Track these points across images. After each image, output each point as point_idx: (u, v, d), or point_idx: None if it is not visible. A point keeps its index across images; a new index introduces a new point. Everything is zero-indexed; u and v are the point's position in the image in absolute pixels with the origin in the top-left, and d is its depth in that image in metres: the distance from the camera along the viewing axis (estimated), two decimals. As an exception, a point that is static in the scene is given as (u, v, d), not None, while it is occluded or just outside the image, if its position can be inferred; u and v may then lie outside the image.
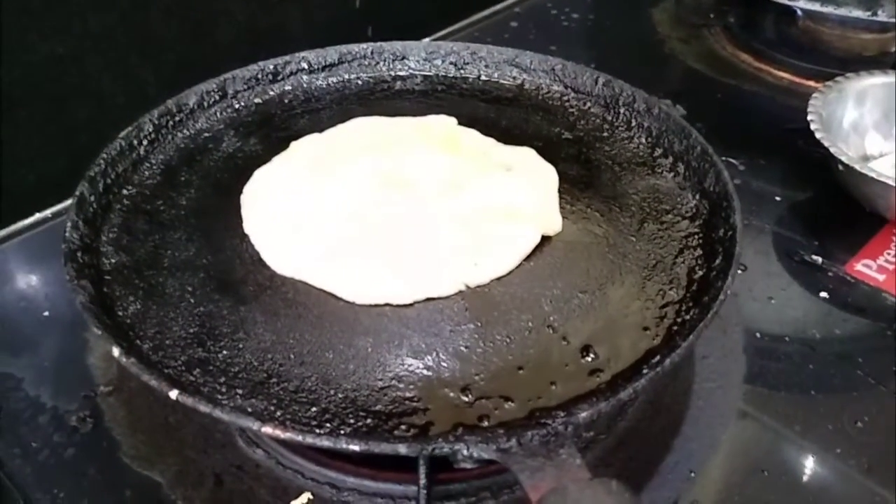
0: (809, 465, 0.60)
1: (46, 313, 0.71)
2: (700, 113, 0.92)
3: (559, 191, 0.69)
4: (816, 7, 0.97)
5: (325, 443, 0.46)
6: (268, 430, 0.47)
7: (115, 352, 0.51)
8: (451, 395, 0.52)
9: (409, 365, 0.54)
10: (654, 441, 0.60)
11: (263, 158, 0.73)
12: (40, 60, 0.79)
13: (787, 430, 0.62)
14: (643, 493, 0.56)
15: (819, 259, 0.78)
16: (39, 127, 0.81)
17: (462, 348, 0.55)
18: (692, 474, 0.58)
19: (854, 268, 0.76)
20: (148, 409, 0.62)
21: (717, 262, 0.61)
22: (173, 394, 0.49)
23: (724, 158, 0.86)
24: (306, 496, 0.56)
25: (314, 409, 0.51)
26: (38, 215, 0.84)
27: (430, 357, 0.55)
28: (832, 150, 0.77)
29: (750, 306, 0.74)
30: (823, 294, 0.75)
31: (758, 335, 0.70)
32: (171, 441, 0.60)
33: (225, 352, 0.55)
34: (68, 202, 0.76)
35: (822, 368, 0.66)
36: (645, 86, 0.82)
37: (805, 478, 0.59)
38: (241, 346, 0.56)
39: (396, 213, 0.63)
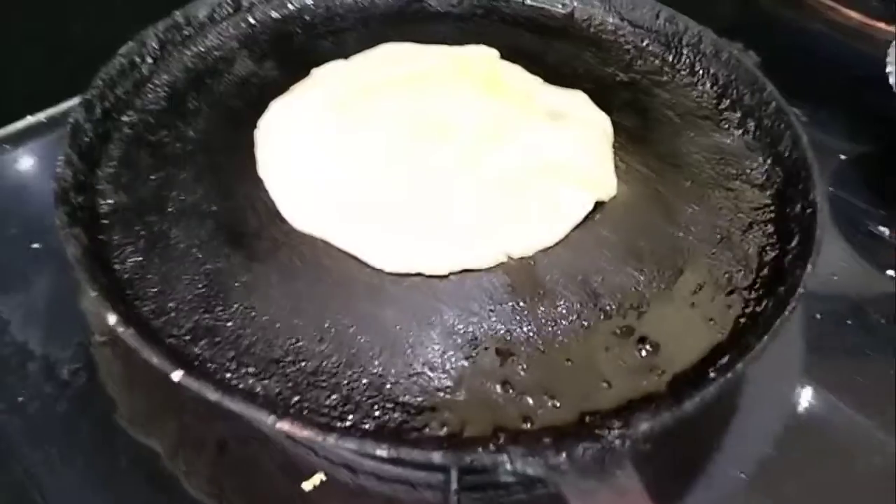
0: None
1: (36, 245, 0.65)
2: (760, 51, 0.83)
3: (613, 146, 0.61)
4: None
5: (349, 445, 0.41)
6: (284, 426, 0.41)
7: (111, 319, 0.45)
8: (490, 387, 0.47)
9: (442, 348, 0.48)
10: (702, 437, 0.54)
11: (281, 86, 0.65)
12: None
13: (849, 426, 0.57)
14: (687, 497, 0.51)
15: (886, 231, 0.71)
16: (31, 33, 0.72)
17: (502, 331, 0.49)
18: (742, 475, 0.53)
19: (923, 243, 0.69)
20: (147, 365, 0.56)
21: (793, 243, 0.54)
22: (176, 375, 0.43)
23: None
24: (319, 477, 0.51)
25: (335, 396, 0.46)
26: (29, 119, 0.75)
27: (465, 340, 0.49)
28: (911, 106, 0.70)
29: (809, 281, 0.68)
30: (891, 272, 0.68)
31: (818, 317, 0.64)
32: (172, 403, 0.54)
33: (237, 319, 0.49)
34: (67, 104, 0.69)
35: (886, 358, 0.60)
36: (699, 16, 0.73)
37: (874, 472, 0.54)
38: (253, 313, 0.50)
39: (431, 168, 0.56)
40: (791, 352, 0.60)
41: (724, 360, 0.46)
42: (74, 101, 0.59)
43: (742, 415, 0.56)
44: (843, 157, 0.78)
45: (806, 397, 0.59)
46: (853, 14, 0.96)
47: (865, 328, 0.63)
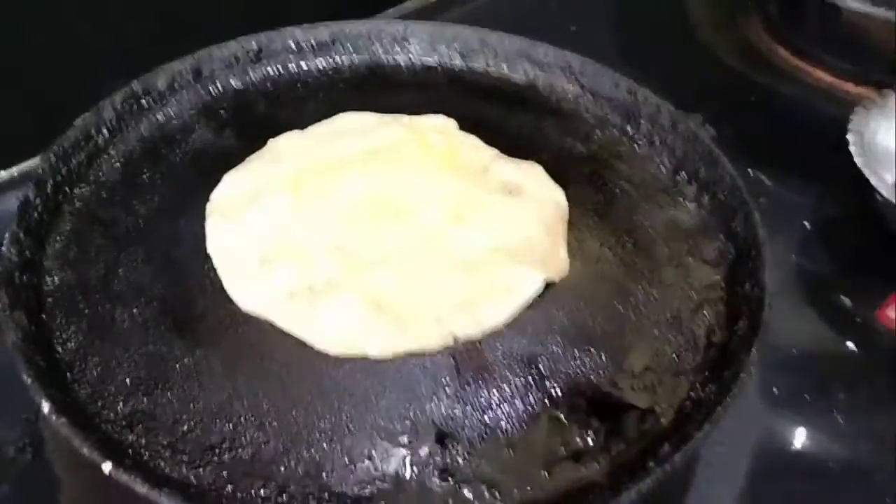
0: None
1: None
2: (728, 114, 0.85)
3: (568, 221, 0.62)
4: (866, 8, 0.88)
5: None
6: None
7: (45, 407, 0.45)
8: (429, 476, 0.47)
9: (383, 434, 0.49)
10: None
11: (238, 156, 0.66)
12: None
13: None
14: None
15: (848, 301, 0.72)
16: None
17: (445, 416, 0.50)
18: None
19: (887, 314, 0.70)
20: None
21: (740, 324, 0.54)
22: (106, 467, 0.43)
23: (750, 171, 0.80)
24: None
25: (270, 485, 0.46)
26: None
27: (407, 425, 0.49)
28: (871, 179, 0.71)
29: (768, 354, 0.68)
30: (850, 344, 0.69)
31: (775, 391, 0.65)
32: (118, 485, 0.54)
33: (175, 404, 0.50)
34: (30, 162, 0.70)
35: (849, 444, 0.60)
36: (670, 78, 0.75)
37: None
38: (192, 398, 0.50)
39: (382, 250, 0.56)
40: (746, 427, 0.61)
41: (665, 448, 0.47)
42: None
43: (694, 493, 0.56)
44: (807, 224, 0.79)
45: (762, 471, 0.59)
46: (823, 75, 0.98)
47: (826, 401, 0.63)
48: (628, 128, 0.73)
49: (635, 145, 0.72)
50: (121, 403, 0.50)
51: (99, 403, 0.49)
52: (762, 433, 0.63)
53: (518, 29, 0.79)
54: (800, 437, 0.63)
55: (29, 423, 0.59)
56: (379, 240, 0.58)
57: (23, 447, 0.58)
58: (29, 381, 0.47)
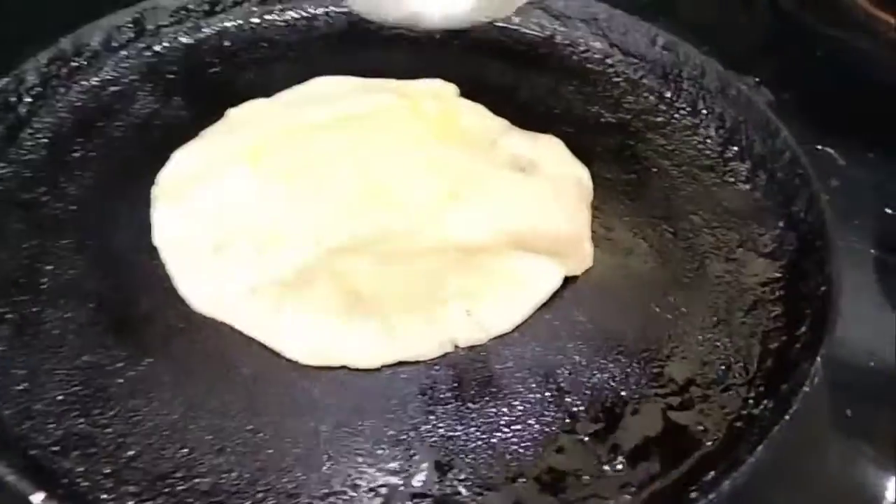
0: None
1: None
2: (789, 76, 0.87)
3: (592, 205, 0.64)
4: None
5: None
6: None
7: (-40, 429, 0.47)
8: (424, 511, 0.49)
9: (370, 460, 0.51)
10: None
11: (190, 130, 0.69)
12: None
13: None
14: None
15: (938, 306, 0.74)
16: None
17: (443, 439, 0.52)
18: None
19: None
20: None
21: (803, 329, 0.56)
22: (36, 499, 0.45)
23: (819, 147, 0.82)
24: None
25: (235, 522, 0.48)
26: None
27: (398, 450, 0.51)
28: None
29: (839, 368, 0.70)
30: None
31: (848, 413, 0.66)
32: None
33: (117, 425, 0.52)
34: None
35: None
36: (715, 31, 0.77)
37: None
38: (139, 417, 0.52)
39: (364, 236, 0.58)
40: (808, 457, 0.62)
41: (710, 476, 0.49)
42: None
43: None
44: (888, 211, 0.81)
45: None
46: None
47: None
48: (666, 92, 0.75)
49: (675, 114, 0.74)
50: (53, 424, 0.51)
51: (26, 424, 0.51)
52: (831, 469, 0.64)
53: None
54: (880, 478, 0.65)
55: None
56: (358, 222, 0.60)
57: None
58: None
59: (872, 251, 0.78)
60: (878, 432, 0.63)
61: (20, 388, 0.53)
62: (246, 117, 0.68)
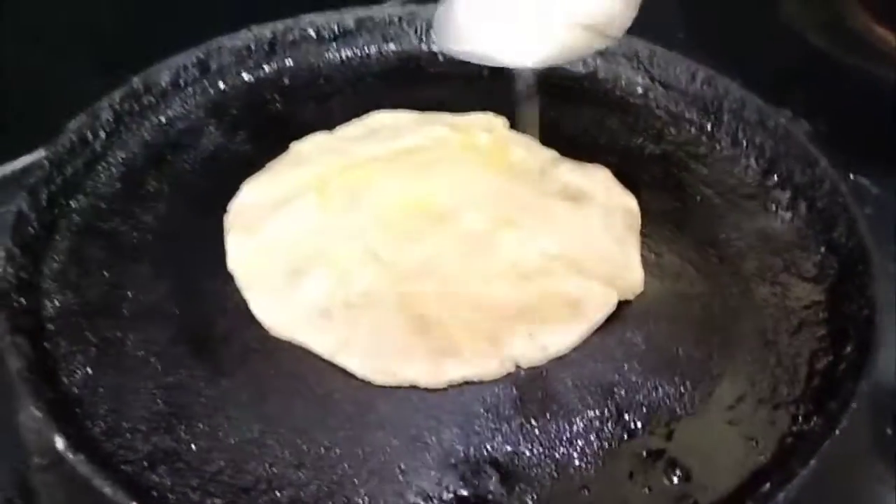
0: None
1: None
2: (819, 106, 0.89)
3: (641, 232, 0.67)
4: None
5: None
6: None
7: (59, 443, 0.50)
8: (495, 521, 0.51)
9: (439, 475, 0.53)
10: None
11: (255, 163, 0.72)
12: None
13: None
14: None
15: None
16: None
17: (508, 454, 0.54)
18: None
19: None
20: (98, 495, 0.61)
21: (848, 349, 0.58)
22: (132, 510, 0.47)
23: (851, 176, 0.84)
24: None
25: (314, 531, 0.50)
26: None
27: (466, 465, 0.53)
28: None
29: (879, 390, 0.71)
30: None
31: (888, 432, 0.68)
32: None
33: (201, 442, 0.54)
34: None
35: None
36: (748, 64, 0.78)
37: None
38: (220, 433, 0.54)
39: (427, 262, 0.61)
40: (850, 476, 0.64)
41: (766, 488, 0.51)
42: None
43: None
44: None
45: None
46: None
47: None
48: (707, 124, 0.78)
49: (716, 144, 0.76)
50: (140, 441, 0.54)
51: (115, 441, 0.54)
52: (872, 485, 0.65)
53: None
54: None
55: (18, 473, 0.63)
56: (420, 248, 0.63)
57: (10, 500, 0.62)
58: (38, 413, 0.52)
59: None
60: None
61: (107, 407, 0.55)
62: (309, 150, 0.71)
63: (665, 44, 0.82)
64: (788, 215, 0.69)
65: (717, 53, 0.84)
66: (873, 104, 0.96)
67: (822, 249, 0.66)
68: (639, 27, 0.78)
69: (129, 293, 0.62)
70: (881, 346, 0.58)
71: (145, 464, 0.53)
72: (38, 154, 0.69)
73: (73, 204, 0.68)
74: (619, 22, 0.67)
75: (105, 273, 0.63)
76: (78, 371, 0.57)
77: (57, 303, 0.61)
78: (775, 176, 0.72)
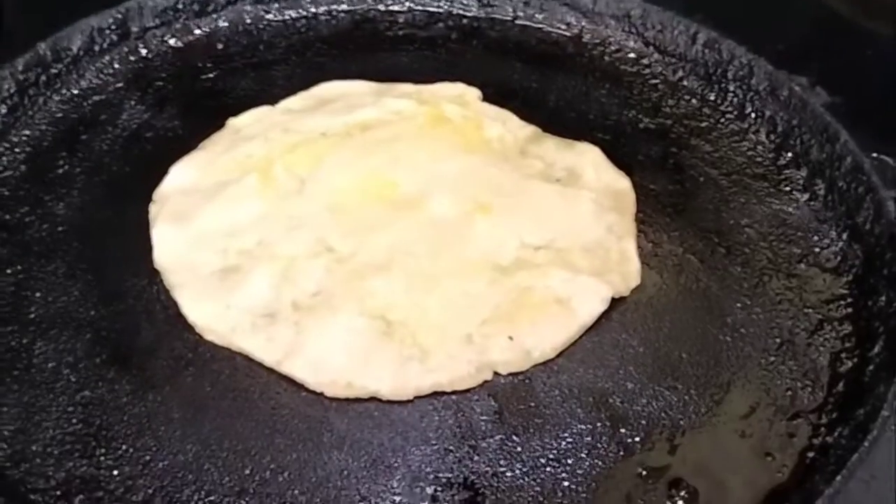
0: None
1: None
2: (838, 77, 0.89)
3: (636, 219, 0.67)
4: None
5: None
6: None
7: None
8: (470, 553, 0.50)
9: (406, 502, 0.52)
10: None
11: (185, 142, 0.71)
12: None
13: None
14: None
15: None
16: None
17: (489, 476, 0.53)
18: None
19: None
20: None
21: (876, 349, 0.58)
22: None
23: (874, 155, 0.84)
24: None
25: (260, 571, 0.49)
26: None
27: (437, 490, 0.53)
28: None
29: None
30: None
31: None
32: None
33: (124, 467, 0.53)
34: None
35: None
36: (758, 29, 0.78)
37: None
38: (147, 457, 0.54)
39: (390, 252, 0.60)
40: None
41: (785, 509, 0.50)
42: None
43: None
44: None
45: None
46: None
47: None
48: (710, 95, 0.78)
49: (721, 118, 0.76)
50: (52, 466, 0.53)
51: (23, 468, 0.53)
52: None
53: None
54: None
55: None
56: (380, 239, 0.62)
57: None
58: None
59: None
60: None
61: (13, 427, 0.54)
62: (249, 127, 0.70)
63: (660, 2, 0.81)
64: (805, 197, 0.69)
65: (721, 15, 0.83)
66: (886, 73, 0.96)
67: (844, 236, 0.66)
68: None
69: (37, 295, 0.61)
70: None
71: (58, 493, 0.52)
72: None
73: (-32, 191, 0.66)
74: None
75: (8, 271, 0.62)
76: (-24, 387, 0.56)
77: (-49, 305, 0.59)
78: (789, 153, 0.72)
